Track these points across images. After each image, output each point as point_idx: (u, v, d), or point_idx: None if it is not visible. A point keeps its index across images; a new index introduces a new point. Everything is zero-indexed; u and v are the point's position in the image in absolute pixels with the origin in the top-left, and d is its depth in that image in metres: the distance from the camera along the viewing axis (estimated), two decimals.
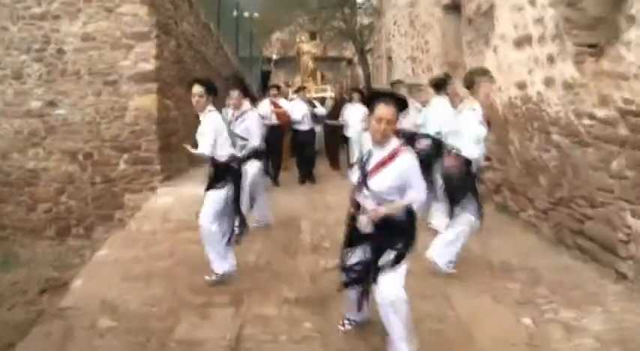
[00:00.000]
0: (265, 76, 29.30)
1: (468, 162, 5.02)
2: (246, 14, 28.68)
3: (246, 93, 6.94)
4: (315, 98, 14.10)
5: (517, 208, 7.07)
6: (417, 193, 3.45)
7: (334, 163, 11.86)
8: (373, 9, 22.17)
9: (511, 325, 4.08)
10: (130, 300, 4.47)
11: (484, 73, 5.19)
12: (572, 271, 5.17)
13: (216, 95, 5.12)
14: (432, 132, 6.70)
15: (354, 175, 3.62)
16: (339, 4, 26.88)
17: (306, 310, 4.28)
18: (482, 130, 4.96)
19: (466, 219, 4.98)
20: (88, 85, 9.77)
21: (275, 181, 9.86)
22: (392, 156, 3.43)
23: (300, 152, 10.63)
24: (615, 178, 4.89)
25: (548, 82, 6.13)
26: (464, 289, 4.68)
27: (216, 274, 4.92)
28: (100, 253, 5.76)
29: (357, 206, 3.57)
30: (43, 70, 9.74)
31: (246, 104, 6.77)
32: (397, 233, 3.48)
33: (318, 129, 11.58)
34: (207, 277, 4.92)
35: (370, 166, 3.49)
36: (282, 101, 10.62)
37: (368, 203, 3.46)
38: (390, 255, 3.43)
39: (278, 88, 10.98)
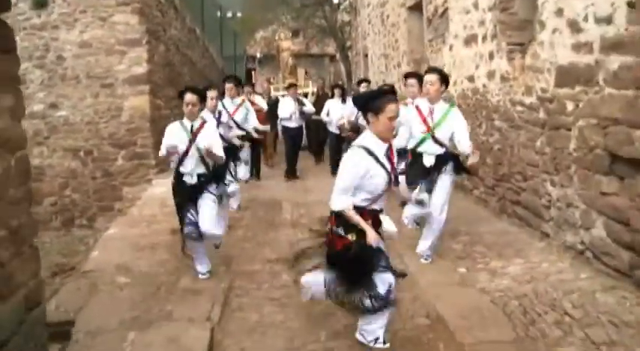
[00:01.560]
0: (249, 74, 30.13)
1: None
2: (229, 14, 29.40)
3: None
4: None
5: (471, 187, 8.09)
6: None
7: (318, 157, 12.75)
8: (351, 7, 23.06)
9: (449, 273, 5.08)
10: (140, 263, 5.45)
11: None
12: (508, 234, 6.18)
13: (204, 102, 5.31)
14: None
15: (347, 199, 3.56)
16: (320, 2, 27.83)
17: (284, 267, 5.26)
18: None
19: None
20: (87, 88, 10.71)
21: (257, 176, 10.42)
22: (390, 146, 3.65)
23: (289, 149, 10.86)
24: (539, 155, 5.90)
25: (490, 75, 7.14)
26: (415, 249, 5.68)
27: (203, 273, 5.12)
28: (110, 232, 6.73)
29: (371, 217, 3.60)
30: (45, 75, 10.66)
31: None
32: None
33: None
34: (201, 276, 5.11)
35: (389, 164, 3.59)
36: (256, 98, 10.78)
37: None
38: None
39: (252, 85, 11.47)
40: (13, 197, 2.97)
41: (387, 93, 3.60)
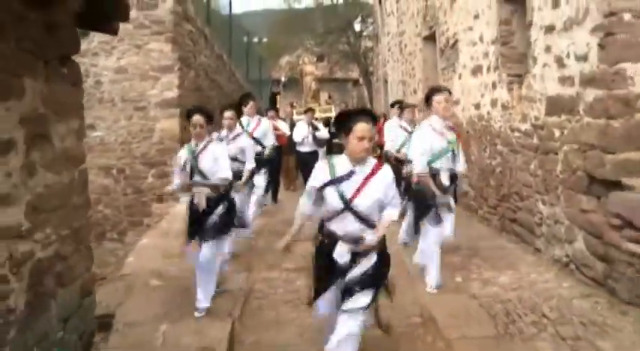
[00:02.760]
0: (274, 98, 30.99)
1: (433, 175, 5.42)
2: (255, 39, 30.36)
3: (239, 113, 7.47)
4: (319, 119, 13.96)
5: (476, 206, 8.66)
6: (395, 209, 3.54)
7: None
8: (373, 35, 23.85)
9: (446, 281, 5.64)
10: (170, 269, 6.11)
11: (438, 89, 5.71)
12: (504, 249, 6.73)
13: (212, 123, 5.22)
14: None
15: (307, 204, 3.66)
16: (343, 29, 28.77)
17: (298, 275, 5.89)
18: (426, 142, 5.40)
19: (431, 234, 5.44)
20: (121, 111, 11.53)
21: (274, 199, 10.55)
22: (374, 170, 3.47)
23: (303, 173, 11.19)
24: (533, 176, 6.48)
25: (493, 103, 7.75)
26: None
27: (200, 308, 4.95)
28: (143, 242, 7.43)
29: (327, 235, 3.57)
30: (84, 98, 11.48)
31: (238, 127, 7.05)
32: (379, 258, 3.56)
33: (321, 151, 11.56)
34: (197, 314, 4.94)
35: (352, 187, 3.44)
36: (279, 123, 11.14)
37: (354, 227, 3.46)
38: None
39: (276, 110, 11.89)
40: (76, 203, 3.67)
41: (358, 113, 3.51)
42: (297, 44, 31.76)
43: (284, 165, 11.90)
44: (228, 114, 6.73)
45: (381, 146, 9.55)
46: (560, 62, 5.63)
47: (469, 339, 4.29)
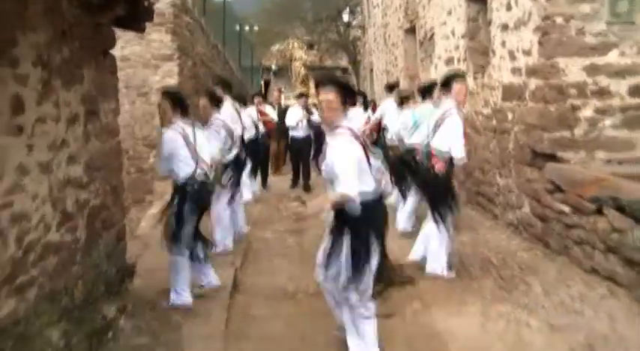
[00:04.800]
0: (266, 85, 31.80)
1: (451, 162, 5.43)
2: (247, 28, 31.09)
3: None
4: (310, 104, 13.29)
5: None
6: (343, 187, 3.26)
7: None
8: (361, 25, 24.74)
9: (414, 240, 6.67)
10: None
11: (458, 75, 5.71)
12: (468, 217, 7.74)
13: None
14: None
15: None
16: (333, 18, 29.62)
17: (290, 235, 6.91)
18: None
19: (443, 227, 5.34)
20: (125, 97, 12.40)
21: (263, 185, 10.63)
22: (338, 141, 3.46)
23: (294, 158, 11.17)
24: (492, 154, 7.50)
25: None
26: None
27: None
28: (152, 211, 8.41)
29: None
30: None
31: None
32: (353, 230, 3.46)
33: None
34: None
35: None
36: (267, 108, 11.12)
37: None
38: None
39: (263, 96, 11.60)
40: (114, 166, 4.65)
41: (323, 82, 3.54)
42: (288, 33, 32.52)
43: (272, 150, 12.08)
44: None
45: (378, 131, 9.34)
46: (512, 55, 6.65)
47: (427, 278, 5.31)
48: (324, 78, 3.58)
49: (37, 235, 3.23)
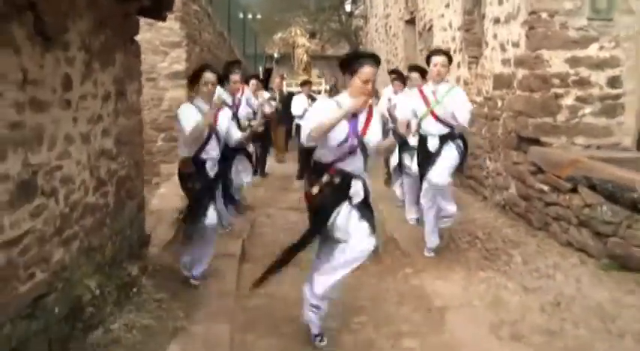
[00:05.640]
0: (268, 73, 32.15)
1: None
2: (250, 16, 31.43)
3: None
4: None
5: None
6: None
7: None
8: (363, 15, 25.10)
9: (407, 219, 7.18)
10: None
11: (435, 50, 5.86)
12: (459, 198, 8.20)
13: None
14: None
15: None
16: (336, 7, 29.97)
17: (293, 212, 7.41)
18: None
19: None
20: None
21: (262, 173, 10.64)
22: (371, 111, 3.72)
23: (300, 148, 10.47)
24: (483, 139, 8.01)
25: (457, 80, 9.23)
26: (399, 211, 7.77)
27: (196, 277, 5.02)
28: (161, 190, 8.94)
29: (340, 175, 3.66)
30: None
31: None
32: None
33: None
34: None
35: (360, 124, 3.64)
36: (263, 93, 10.52)
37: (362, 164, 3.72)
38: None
39: (258, 79, 11.05)
40: (136, 142, 5.15)
41: (365, 56, 3.71)
42: (290, 21, 32.81)
43: (273, 137, 12.33)
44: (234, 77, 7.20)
45: None
46: (502, 47, 7.14)
47: (418, 253, 5.83)
48: (372, 56, 3.77)
49: (79, 196, 3.73)
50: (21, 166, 2.94)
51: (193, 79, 4.90)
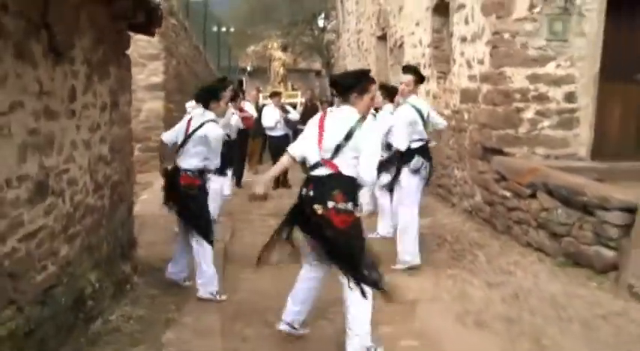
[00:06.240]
0: (240, 85, 32.43)
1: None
2: (223, 29, 31.73)
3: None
4: (286, 103, 13.37)
5: None
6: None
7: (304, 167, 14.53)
8: (335, 29, 25.63)
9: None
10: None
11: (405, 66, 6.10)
12: (429, 205, 8.72)
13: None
14: None
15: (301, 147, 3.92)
16: (308, 21, 30.47)
17: (273, 217, 7.75)
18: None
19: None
20: None
21: (238, 184, 10.46)
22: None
23: (275, 158, 10.65)
24: (452, 150, 8.49)
25: (427, 93, 9.73)
26: None
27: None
28: (143, 196, 9.21)
29: None
30: None
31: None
32: None
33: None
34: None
35: None
36: (246, 104, 10.55)
37: None
38: None
39: (243, 92, 11.46)
40: (127, 150, 5.48)
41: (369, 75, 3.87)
42: (263, 35, 33.17)
43: (250, 148, 12.03)
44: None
45: None
46: (469, 64, 7.64)
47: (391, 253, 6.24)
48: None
49: (82, 197, 4.06)
50: (37, 168, 3.28)
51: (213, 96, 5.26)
